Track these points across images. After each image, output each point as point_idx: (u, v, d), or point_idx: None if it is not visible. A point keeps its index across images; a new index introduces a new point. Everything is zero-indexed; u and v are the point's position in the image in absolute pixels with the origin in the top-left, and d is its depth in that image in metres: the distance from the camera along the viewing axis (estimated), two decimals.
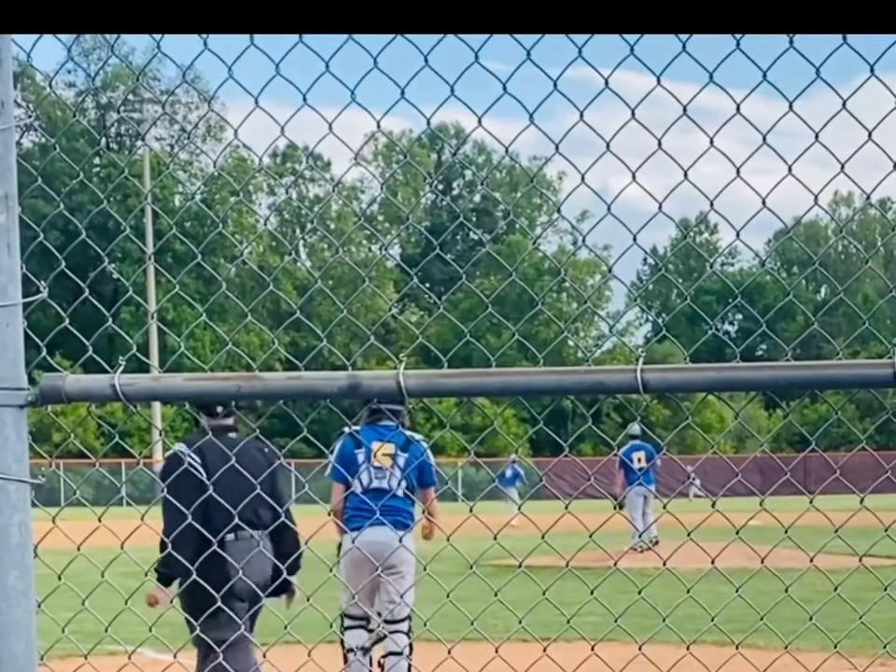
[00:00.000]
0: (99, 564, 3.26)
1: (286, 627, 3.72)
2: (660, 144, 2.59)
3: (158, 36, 2.56)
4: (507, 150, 2.78)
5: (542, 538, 3.21)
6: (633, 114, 2.54)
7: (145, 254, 66.08)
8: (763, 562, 3.41)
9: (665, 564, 3.51)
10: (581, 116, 2.62)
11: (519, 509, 3.55)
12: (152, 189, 53.81)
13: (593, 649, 3.50)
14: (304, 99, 2.73)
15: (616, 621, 3.42)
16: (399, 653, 7.96)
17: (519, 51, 2.52)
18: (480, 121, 2.70)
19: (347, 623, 8.05)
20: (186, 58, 3.13)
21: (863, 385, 2.41)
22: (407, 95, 2.65)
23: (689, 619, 8.08)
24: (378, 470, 7.98)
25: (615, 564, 13.11)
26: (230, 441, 6.67)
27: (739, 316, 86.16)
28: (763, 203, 2.67)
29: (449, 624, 7.64)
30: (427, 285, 78.91)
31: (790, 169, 2.62)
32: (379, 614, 7.97)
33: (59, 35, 2.52)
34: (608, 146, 2.60)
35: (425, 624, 4.02)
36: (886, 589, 3.94)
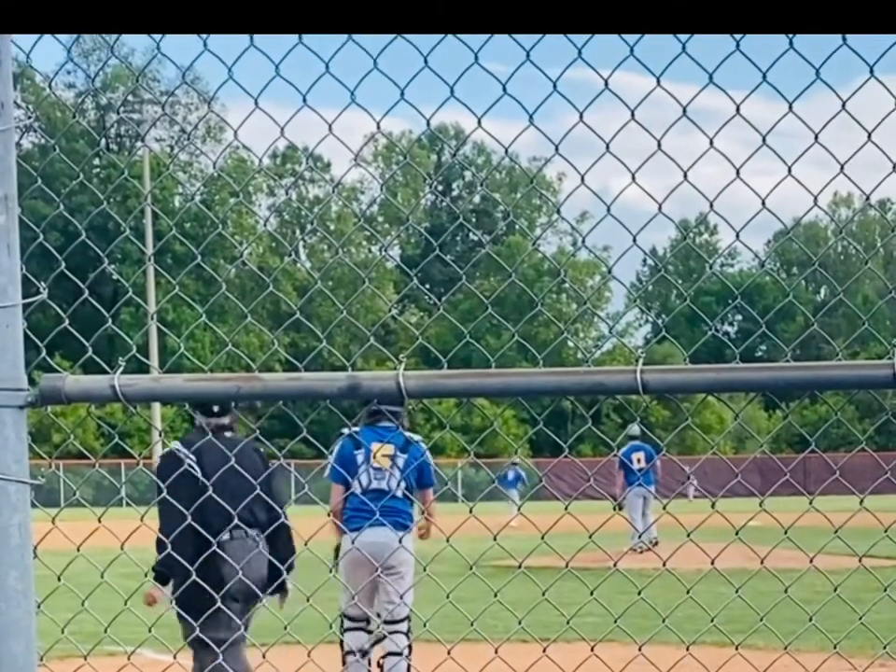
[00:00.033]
0: (99, 564, 3.26)
1: (285, 628, 3.72)
2: (659, 145, 2.59)
3: (157, 37, 2.55)
4: (506, 151, 2.79)
5: (542, 538, 3.21)
6: (632, 115, 2.54)
7: (144, 255, 65.98)
8: (762, 563, 3.41)
9: (664, 564, 3.51)
10: (581, 117, 2.62)
11: (519, 509, 3.55)
12: (152, 190, 53.72)
13: (592, 649, 3.50)
14: (304, 100, 2.73)
15: (616, 621, 3.42)
16: (399, 654, 7.96)
17: (519, 52, 2.52)
18: (479, 122, 2.70)
19: (347, 624, 8.05)
20: (185, 59, 3.13)
21: (863, 385, 2.41)
22: (407, 96, 2.65)
23: (689, 619, 8.08)
24: (377, 471, 7.98)
25: (615, 564, 13.11)
26: (226, 440, 6.64)
27: (739, 317, 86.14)
28: (763, 203, 2.67)
29: (448, 625, 7.65)
30: (427, 286, 78.84)
31: (789, 170, 2.62)
32: (378, 615, 7.97)
33: (58, 36, 2.52)
34: (607, 147, 2.60)
35: (424, 625, 4.02)
36: (885, 590, 3.95)
